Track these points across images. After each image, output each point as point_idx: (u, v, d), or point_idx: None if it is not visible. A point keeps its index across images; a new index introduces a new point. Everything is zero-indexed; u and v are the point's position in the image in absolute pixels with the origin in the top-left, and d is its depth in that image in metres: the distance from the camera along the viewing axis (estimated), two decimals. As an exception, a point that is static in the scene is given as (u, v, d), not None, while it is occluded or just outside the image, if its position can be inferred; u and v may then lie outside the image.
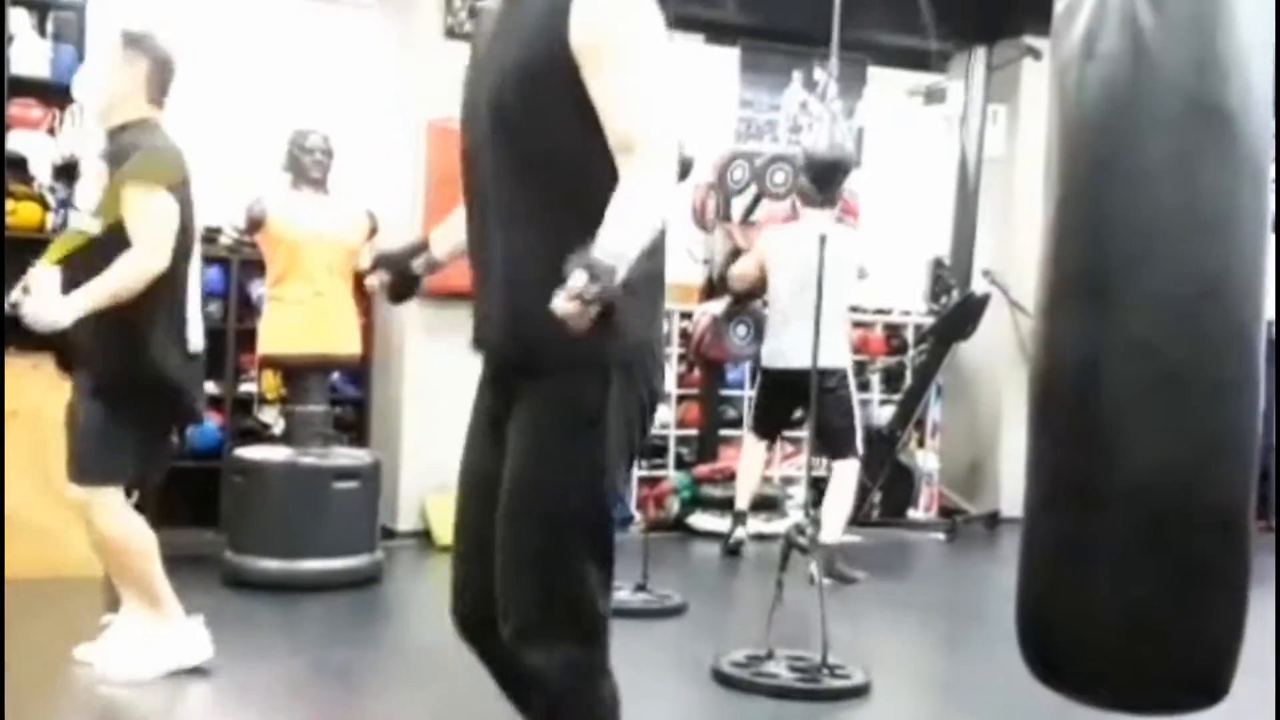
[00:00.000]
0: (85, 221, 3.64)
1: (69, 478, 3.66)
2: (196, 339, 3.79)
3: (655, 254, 2.17)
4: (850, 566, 5.60)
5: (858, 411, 5.83)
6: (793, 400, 5.85)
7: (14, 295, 3.46)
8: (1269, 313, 2.87)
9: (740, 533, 6.10)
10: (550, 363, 2.15)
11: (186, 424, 4.13)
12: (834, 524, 5.62)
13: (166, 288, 3.59)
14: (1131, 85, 2.76)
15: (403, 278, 2.49)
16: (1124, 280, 2.79)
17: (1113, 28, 2.75)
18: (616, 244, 1.99)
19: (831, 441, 5.67)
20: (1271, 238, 2.81)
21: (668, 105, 2.14)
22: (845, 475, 5.74)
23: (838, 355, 5.68)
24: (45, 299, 3.46)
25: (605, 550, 2.20)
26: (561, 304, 1.92)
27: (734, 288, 6.34)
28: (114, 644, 3.80)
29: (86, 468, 3.64)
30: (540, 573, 2.16)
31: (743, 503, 6.10)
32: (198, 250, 3.84)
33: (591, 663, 2.19)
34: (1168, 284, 2.76)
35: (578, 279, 1.92)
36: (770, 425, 6.11)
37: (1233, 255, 2.76)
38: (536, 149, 2.15)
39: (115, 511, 3.68)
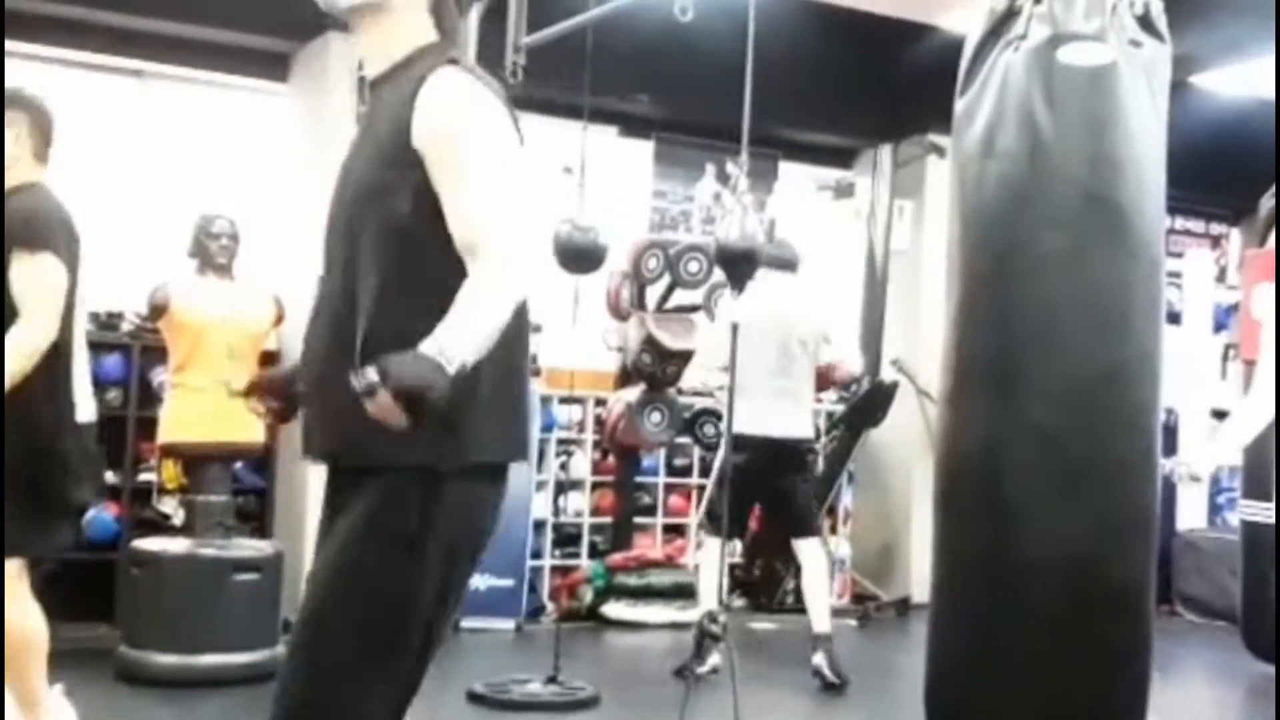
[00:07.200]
0: None
1: None
2: (87, 408, 3.68)
3: (513, 376, 2.08)
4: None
5: None
6: (774, 476, 5.21)
7: None
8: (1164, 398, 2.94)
9: (716, 659, 5.05)
10: (372, 462, 2.03)
11: (83, 502, 3.97)
12: (825, 612, 5.26)
13: (53, 356, 3.49)
14: (1029, 180, 2.83)
15: (286, 400, 2.37)
16: (1024, 368, 2.84)
17: (1011, 126, 2.83)
18: (446, 344, 1.88)
19: (801, 518, 5.35)
20: (1163, 326, 2.88)
21: (516, 206, 2.02)
22: (819, 554, 5.35)
23: (810, 426, 5.52)
24: None
25: (399, 697, 2.04)
26: (367, 404, 1.82)
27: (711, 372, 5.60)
28: None
29: None
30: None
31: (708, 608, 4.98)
32: (83, 316, 3.72)
33: None
34: (1066, 371, 2.82)
35: (363, 375, 1.83)
36: (741, 515, 5.48)
37: (1128, 343, 2.82)
38: (377, 242, 2.07)
39: (23, 600, 3.51)
